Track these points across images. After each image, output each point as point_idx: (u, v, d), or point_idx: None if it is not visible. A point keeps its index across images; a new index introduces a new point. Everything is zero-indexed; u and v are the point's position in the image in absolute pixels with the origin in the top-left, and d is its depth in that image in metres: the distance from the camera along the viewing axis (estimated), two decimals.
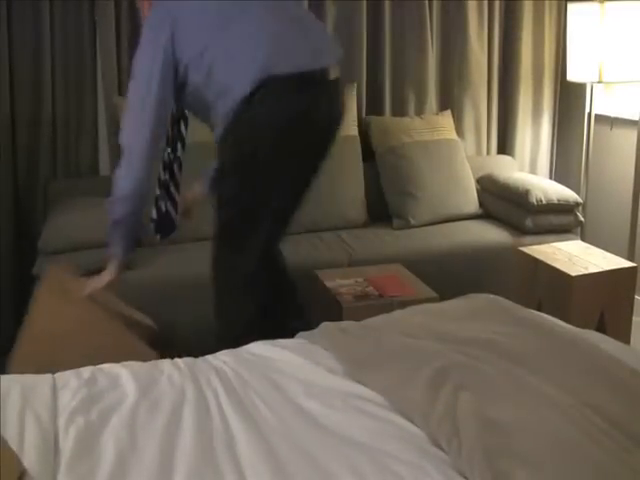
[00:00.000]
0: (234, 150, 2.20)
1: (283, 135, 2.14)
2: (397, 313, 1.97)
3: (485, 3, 3.69)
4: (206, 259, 2.89)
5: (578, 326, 1.92)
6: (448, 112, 3.71)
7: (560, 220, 3.37)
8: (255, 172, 2.18)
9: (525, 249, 2.93)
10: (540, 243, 3.08)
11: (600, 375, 1.49)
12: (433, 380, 1.48)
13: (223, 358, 1.77)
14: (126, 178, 2.18)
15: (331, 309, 2.56)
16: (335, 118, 2.32)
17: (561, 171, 3.97)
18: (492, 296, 2.01)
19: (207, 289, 2.65)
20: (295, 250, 3.08)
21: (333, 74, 2.21)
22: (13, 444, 1.32)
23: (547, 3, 3.76)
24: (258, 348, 1.82)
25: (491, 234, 3.34)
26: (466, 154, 3.67)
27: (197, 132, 2.76)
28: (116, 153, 3.26)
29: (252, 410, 1.50)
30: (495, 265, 3.21)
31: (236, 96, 2.10)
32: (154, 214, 2.61)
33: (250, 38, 2.11)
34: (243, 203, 2.24)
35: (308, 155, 2.28)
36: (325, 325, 1.92)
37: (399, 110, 3.67)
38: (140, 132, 2.15)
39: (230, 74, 2.12)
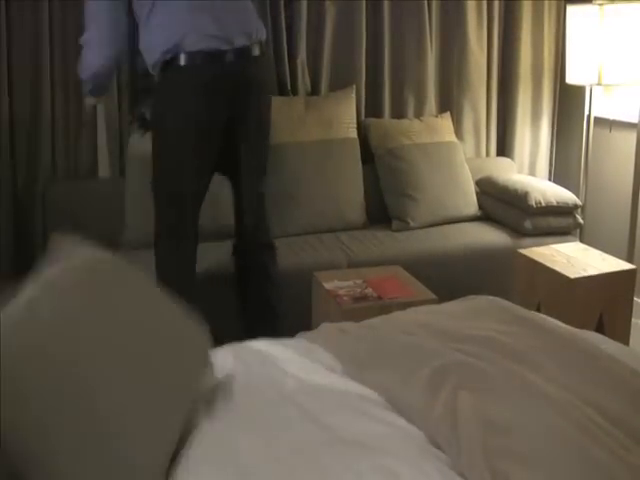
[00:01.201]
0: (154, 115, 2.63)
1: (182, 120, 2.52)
2: (396, 314, 1.97)
3: (484, 4, 3.69)
4: (206, 258, 2.93)
5: (577, 328, 1.92)
6: (447, 114, 3.71)
7: (559, 222, 3.37)
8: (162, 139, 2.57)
9: (524, 251, 2.93)
10: (539, 245, 3.08)
11: (600, 374, 1.49)
12: (432, 380, 1.47)
13: (222, 354, 1.77)
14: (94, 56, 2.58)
15: (330, 311, 2.56)
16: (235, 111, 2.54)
17: (560, 173, 3.97)
18: (492, 297, 2.00)
19: (210, 287, 2.69)
20: (294, 252, 3.09)
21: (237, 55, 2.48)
22: None
23: (546, 4, 3.76)
24: (258, 345, 1.82)
25: (490, 236, 3.34)
26: (465, 156, 3.67)
27: None
28: (115, 155, 3.27)
29: (251, 408, 1.50)
30: (494, 267, 3.21)
31: (154, 60, 2.50)
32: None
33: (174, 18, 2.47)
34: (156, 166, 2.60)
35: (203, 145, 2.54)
36: (325, 325, 1.92)
37: (398, 112, 3.67)
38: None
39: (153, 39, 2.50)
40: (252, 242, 2.75)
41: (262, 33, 2.59)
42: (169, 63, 2.46)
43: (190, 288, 2.60)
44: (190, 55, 2.43)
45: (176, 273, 2.59)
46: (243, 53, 2.50)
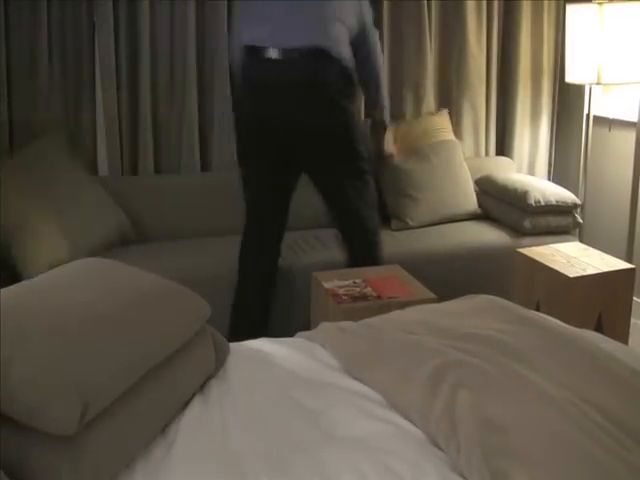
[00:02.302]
0: None
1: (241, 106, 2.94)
2: (396, 313, 1.97)
3: (484, 3, 3.69)
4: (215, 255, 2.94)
5: (576, 327, 1.92)
6: (444, 111, 3.71)
7: (558, 221, 3.38)
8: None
9: (523, 250, 2.92)
10: (538, 244, 3.08)
11: (600, 373, 1.49)
12: (431, 378, 1.47)
13: None
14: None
15: (329, 310, 2.56)
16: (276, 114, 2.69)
17: (559, 172, 3.97)
18: (491, 296, 2.00)
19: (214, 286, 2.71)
20: (293, 251, 3.08)
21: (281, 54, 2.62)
22: None
23: (546, 4, 3.76)
24: (257, 344, 1.83)
25: (489, 235, 3.34)
26: (464, 155, 3.67)
27: None
28: (114, 154, 3.26)
29: (250, 406, 1.50)
30: (493, 266, 3.21)
31: None
32: None
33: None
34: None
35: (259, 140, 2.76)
36: (324, 324, 1.92)
37: (397, 112, 3.67)
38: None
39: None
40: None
41: (323, 40, 2.59)
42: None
43: (246, 276, 2.83)
44: (244, 50, 2.68)
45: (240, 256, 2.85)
46: (291, 53, 2.58)
